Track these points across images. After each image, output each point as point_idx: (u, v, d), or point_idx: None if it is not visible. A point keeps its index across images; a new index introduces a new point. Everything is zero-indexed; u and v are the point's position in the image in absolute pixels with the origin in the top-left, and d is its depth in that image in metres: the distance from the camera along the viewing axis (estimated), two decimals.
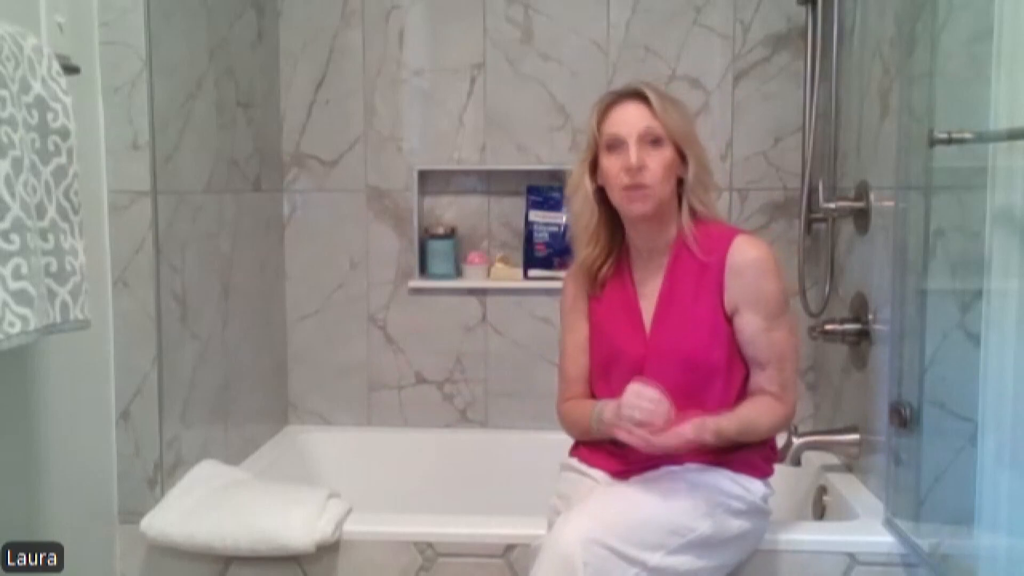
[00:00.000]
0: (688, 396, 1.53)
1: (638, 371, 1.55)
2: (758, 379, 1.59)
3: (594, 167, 1.63)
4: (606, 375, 1.66)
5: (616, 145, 1.58)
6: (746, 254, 1.58)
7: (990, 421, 1.38)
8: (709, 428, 1.47)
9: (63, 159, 1.37)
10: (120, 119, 1.75)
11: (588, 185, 1.63)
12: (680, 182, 1.61)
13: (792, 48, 2.33)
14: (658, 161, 1.56)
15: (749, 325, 1.57)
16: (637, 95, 1.60)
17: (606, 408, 1.54)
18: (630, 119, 1.58)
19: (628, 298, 1.66)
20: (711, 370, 1.58)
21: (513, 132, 2.43)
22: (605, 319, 1.68)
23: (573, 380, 1.71)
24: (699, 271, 1.60)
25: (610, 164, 1.58)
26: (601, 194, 1.63)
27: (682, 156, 1.60)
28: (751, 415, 1.56)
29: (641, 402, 1.46)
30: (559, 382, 1.75)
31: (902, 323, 1.71)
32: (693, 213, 1.61)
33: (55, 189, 1.35)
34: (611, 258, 1.68)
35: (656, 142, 1.57)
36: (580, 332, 1.71)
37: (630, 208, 1.58)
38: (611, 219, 1.66)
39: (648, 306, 1.63)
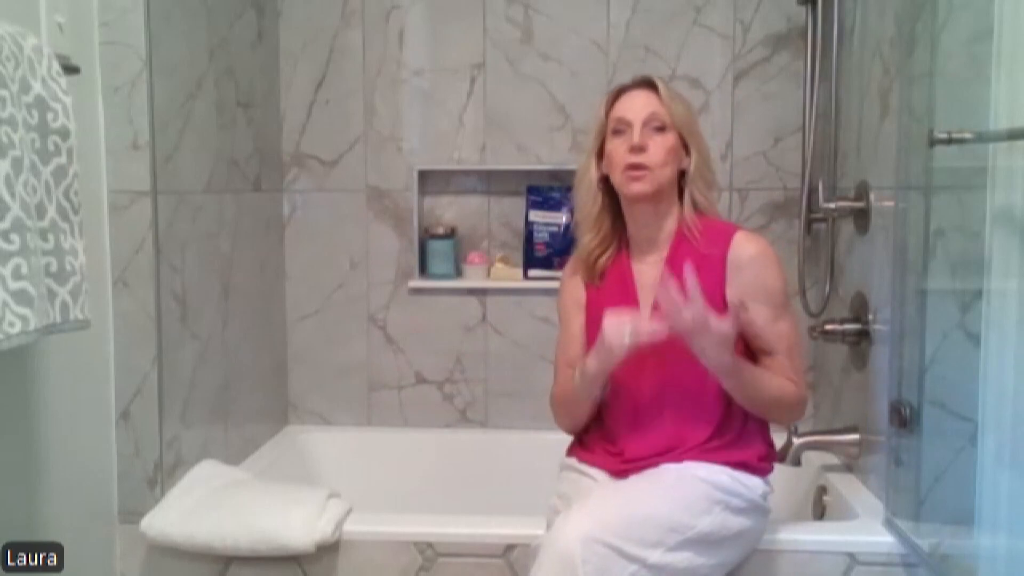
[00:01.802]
0: (686, 385, 1.59)
1: (635, 362, 1.56)
2: (771, 368, 1.62)
3: (600, 156, 1.67)
4: None
5: (622, 129, 1.62)
6: (747, 249, 1.61)
7: (990, 421, 1.38)
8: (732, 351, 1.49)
9: (63, 159, 1.37)
10: (120, 119, 1.75)
11: (594, 173, 1.68)
12: (682, 174, 1.65)
13: (792, 48, 2.33)
14: (660, 144, 1.60)
15: (758, 318, 1.59)
16: (646, 84, 1.65)
17: (587, 359, 1.58)
18: (637, 104, 1.63)
19: (626, 290, 1.67)
20: None
21: (513, 132, 2.43)
22: (602, 310, 1.68)
23: (565, 367, 1.72)
24: (699, 261, 1.60)
25: (614, 146, 1.63)
26: (606, 183, 1.67)
27: (686, 148, 1.64)
28: (761, 371, 1.58)
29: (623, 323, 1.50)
30: (554, 373, 1.76)
31: (902, 323, 1.71)
32: (695, 205, 1.65)
33: (55, 189, 1.35)
34: (611, 249, 1.71)
35: (661, 128, 1.61)
36: (575, 324, 1.73)
37: (629, 188, 1.61)
38: (613, 210, 1.69)
39: (646, 297, 1.64)
